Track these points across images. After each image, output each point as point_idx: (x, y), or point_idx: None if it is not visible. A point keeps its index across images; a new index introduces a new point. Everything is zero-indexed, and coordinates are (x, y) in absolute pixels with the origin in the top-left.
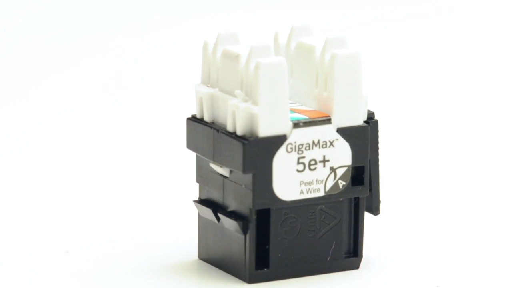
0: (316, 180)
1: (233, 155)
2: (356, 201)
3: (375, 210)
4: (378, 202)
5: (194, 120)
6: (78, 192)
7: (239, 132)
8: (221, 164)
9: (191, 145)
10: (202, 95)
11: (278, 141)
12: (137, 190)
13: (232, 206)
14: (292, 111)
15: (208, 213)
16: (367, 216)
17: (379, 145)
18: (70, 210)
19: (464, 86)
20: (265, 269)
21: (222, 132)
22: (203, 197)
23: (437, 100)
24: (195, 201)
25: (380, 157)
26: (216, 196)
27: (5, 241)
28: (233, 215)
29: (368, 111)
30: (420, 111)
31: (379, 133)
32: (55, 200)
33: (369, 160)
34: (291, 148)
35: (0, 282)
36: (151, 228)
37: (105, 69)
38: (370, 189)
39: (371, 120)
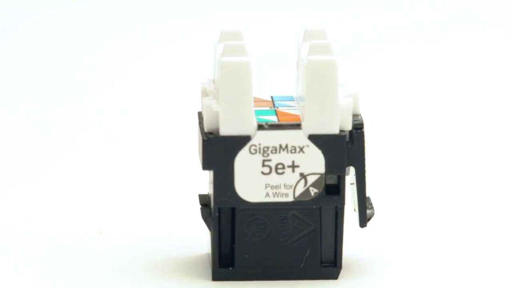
0: (284, 185)
1: (200, 151)
2: (337, 210)
3: (361, 222)
4: (364, 214)
5: (199, 115)
6: (98, 184)
7: (206, 129)
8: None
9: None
10: (201, 91)
11: (240, 141)
12: (161, 183)
13: (212, 202)
14: (276, 113)
15: None
16: (354, 226)
17: (366, 156)
18: (84, 205)
19: (464, 93)
20: (230, 268)
21: (200, 128)
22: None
23: (437, 109)
24: (200, 195)
25: (367, 168)
26: (210, 191)
27: (41, 221)
28: (209, 211)
29: (358, 121)
30: (417, 120)
31: (375, 144)
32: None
33: (355, 170)
34: (255, 149)
35: (35, 259)
36: (172, 221)
37: (115, 63)
38: (360, 200)
39: (358, 130)
